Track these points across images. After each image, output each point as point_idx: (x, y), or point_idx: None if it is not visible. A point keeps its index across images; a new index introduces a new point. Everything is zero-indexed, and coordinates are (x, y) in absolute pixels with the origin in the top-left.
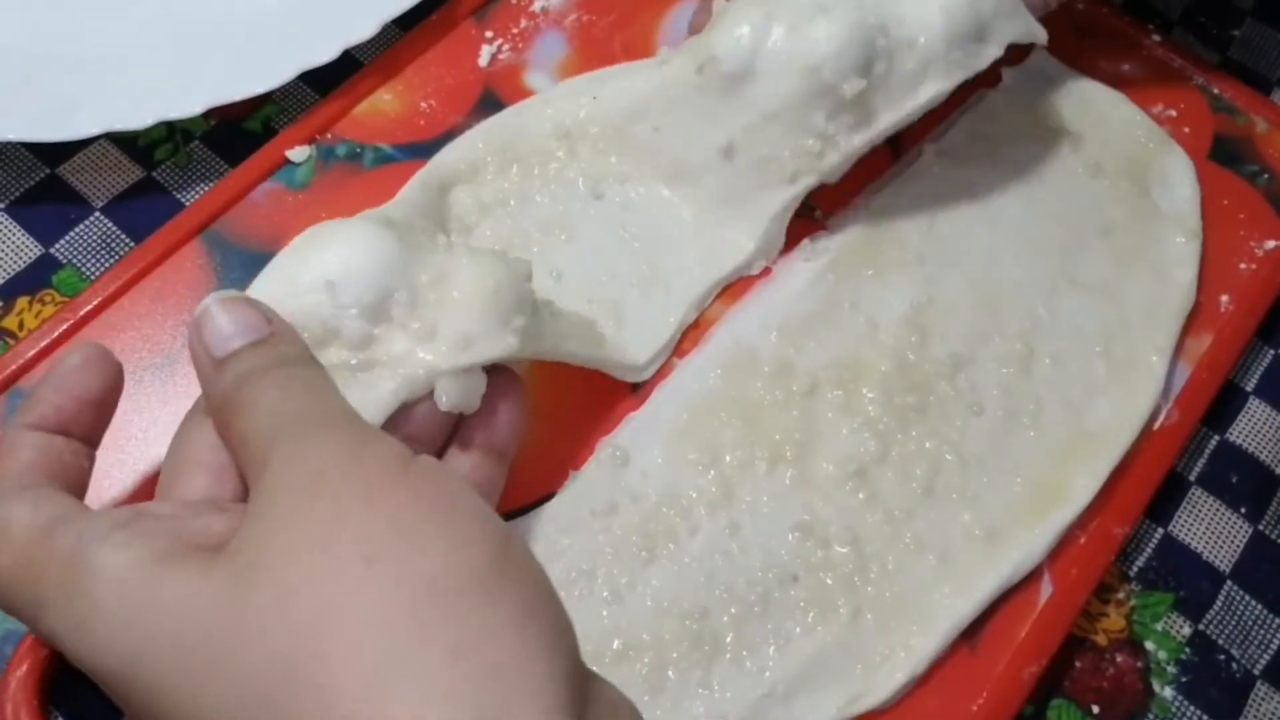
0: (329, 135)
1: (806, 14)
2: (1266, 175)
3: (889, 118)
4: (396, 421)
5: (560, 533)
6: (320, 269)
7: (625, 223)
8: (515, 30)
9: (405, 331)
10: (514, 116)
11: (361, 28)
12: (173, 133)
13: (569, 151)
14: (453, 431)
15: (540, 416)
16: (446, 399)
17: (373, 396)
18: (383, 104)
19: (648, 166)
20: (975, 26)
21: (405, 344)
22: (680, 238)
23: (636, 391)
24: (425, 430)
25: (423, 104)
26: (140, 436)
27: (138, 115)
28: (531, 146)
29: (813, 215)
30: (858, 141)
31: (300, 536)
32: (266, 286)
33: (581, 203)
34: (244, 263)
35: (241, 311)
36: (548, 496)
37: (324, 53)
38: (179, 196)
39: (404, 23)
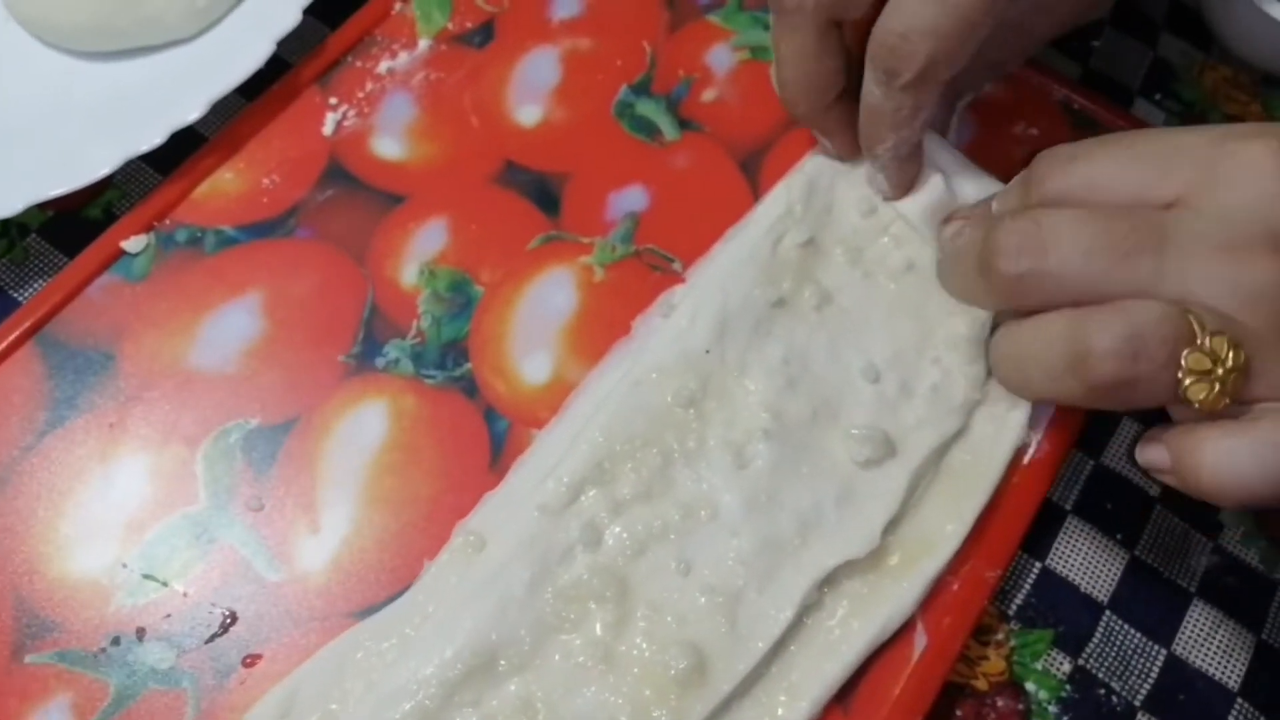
0: (167, 221)
1: None
2: None
3: None
4: None
5: (413, 630)
6: None
7: (770, 490)
8: (360, 94)
9: None
10: (630, 397)
11: (189, 109)
12: (8, 228)
13: (700, 418)
14: None
15: (389, 502)
16: None
17: None
18: (224, 183)
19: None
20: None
21: None
22: (823, 509)
23: (494, 467)
24: None
25: (265, 180)
26: None
27: None
28: (659, 424)
29: (671, 267)
30: None
31: None
32: None
33: (724, 475)
34: (77, 367)
35: None
36: (405, 589)
37: (152, 136)
38: (15, 295)
39: (247, 91)
